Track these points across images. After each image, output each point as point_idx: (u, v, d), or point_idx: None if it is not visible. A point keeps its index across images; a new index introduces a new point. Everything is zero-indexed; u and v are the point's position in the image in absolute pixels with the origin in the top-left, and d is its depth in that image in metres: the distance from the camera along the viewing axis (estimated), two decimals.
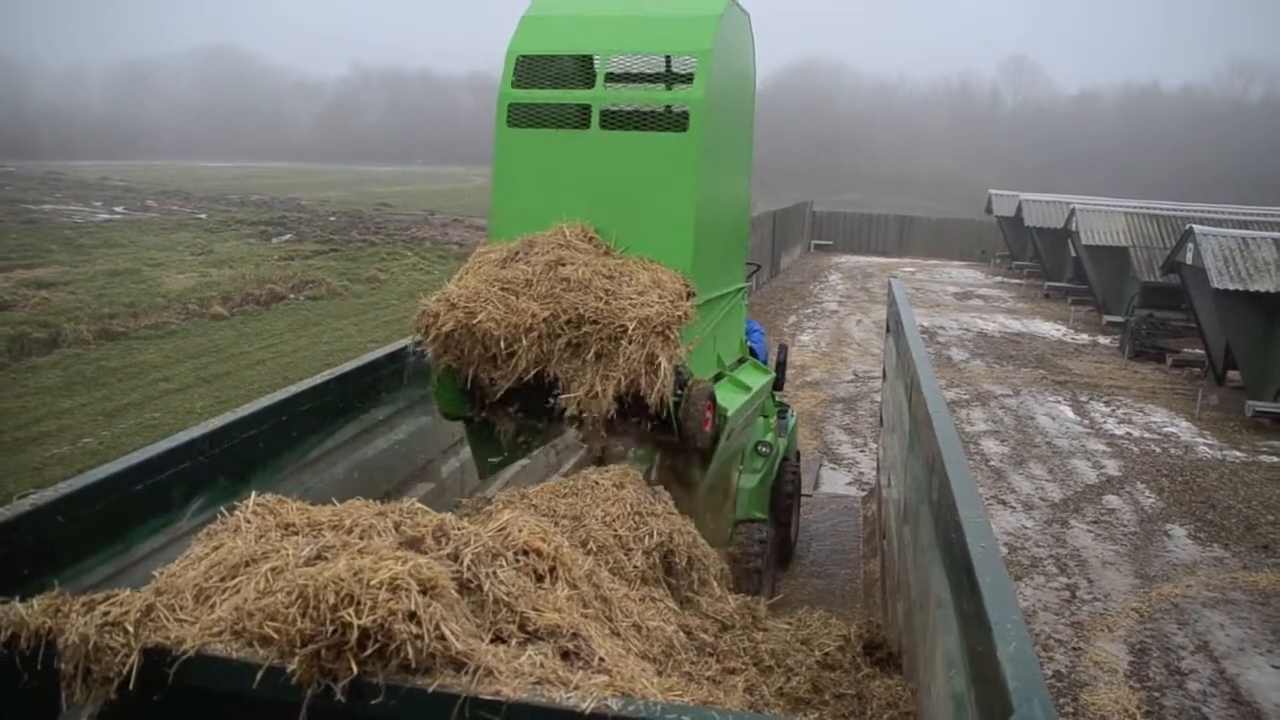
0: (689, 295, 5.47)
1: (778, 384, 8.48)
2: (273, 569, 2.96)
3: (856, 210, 49.68)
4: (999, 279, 37.78)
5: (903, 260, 43.06)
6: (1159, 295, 23.18)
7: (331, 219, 42.05)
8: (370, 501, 3.67)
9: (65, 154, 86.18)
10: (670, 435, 5.44)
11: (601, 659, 3.13)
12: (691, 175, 5.66)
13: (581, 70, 6.24)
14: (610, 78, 6.00)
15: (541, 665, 2.86)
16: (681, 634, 4.03)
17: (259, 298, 23.26)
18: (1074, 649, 8.42)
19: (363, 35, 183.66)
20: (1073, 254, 29.78)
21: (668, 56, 6.17)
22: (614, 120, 5.86)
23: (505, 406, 5.50)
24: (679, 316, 5.27)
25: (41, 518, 3.34)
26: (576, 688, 2.69)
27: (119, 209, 42.32)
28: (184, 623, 2.84)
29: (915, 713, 4.15)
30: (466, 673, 2.67)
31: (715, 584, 4.97)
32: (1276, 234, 18.32)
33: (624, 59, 6.14)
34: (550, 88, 5.98)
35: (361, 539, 3.22)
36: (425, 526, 3.35)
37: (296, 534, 3.28)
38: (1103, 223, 26.42)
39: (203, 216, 40.59)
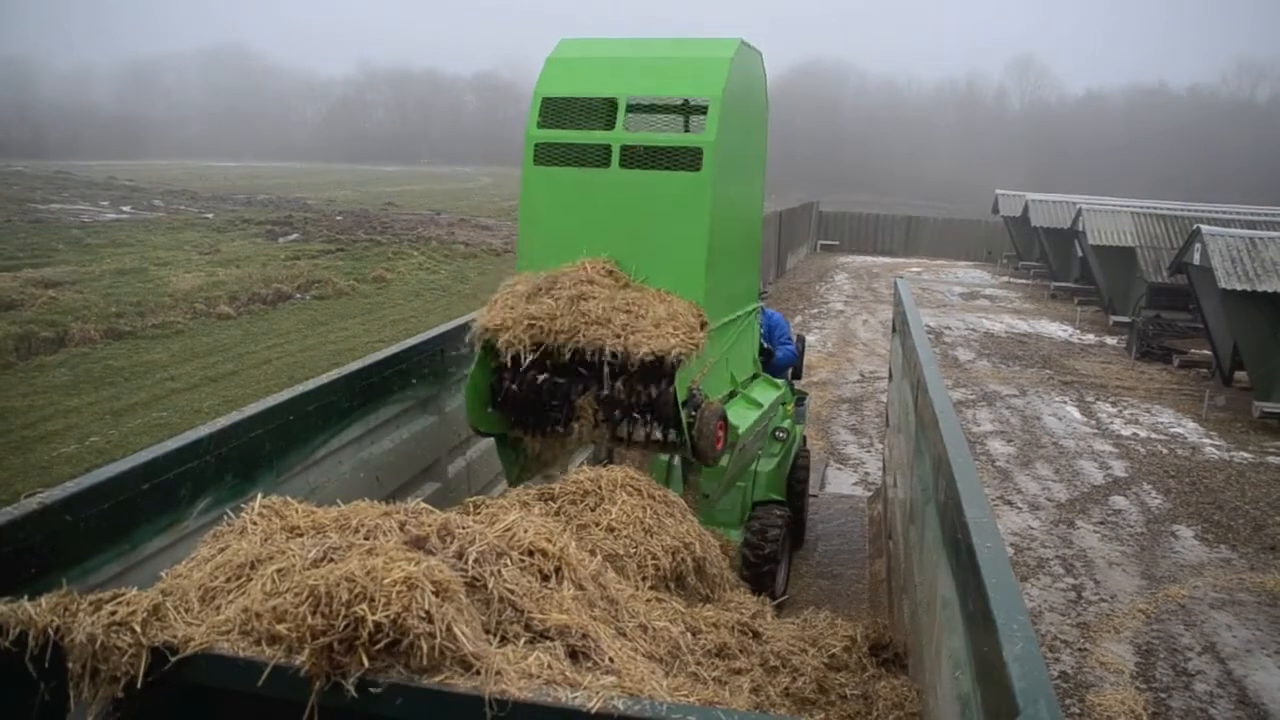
0: (702, 325, 5.82)
1: (796, 374, 8.97)
2: (279, 570, 2.97)
3: (863, 210, 49.67)
4: (1005, 279, 37.74)
5: (909, 260, 43.04)
6: (1166, 295, 23.15)
7: (338, 218, 42.08)
8: (376, 502, 3.68)
9: (72, 153, 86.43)
10: (684, 452, 5.88)
11: (611, 659, 3.13)
12: (704, 210, 6.03)
13: (603, 110, 6.50)
14: (630, 116, 6.38)
15: (549, 666, 2.86)
16: (688, 635, 4.03)
17: (266, 297, 23.30)
18: (1080, 650, 8.41)
19: (369, 35, 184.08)
20: (1079, 254, 29.75)
21: (685, 100, 6.55)
22: (632, 159, 6.23)
23: (529, 422, 5.95)
24: (692, 347, 5.61)
25: (48, 516, 3.35)
26: (584, 688, 2.70)
27: (126, 208, 42.39)
28: (192, 624, 2.85)
29: (921, 713, 4.15)
30: (476, 673, 2.68)
31: (726, 589, 4.98)
32: None
33: (642, 99, 6.53)
34: (573, 128, 6.37)
35: (367, 539, 3.22)
36: (430, 525, 3.36)
37: (302, 536, 3.29)
38: (1109, 223, 26.39)
39: (209, 216, 40.66)
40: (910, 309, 7.94)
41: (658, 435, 5.82)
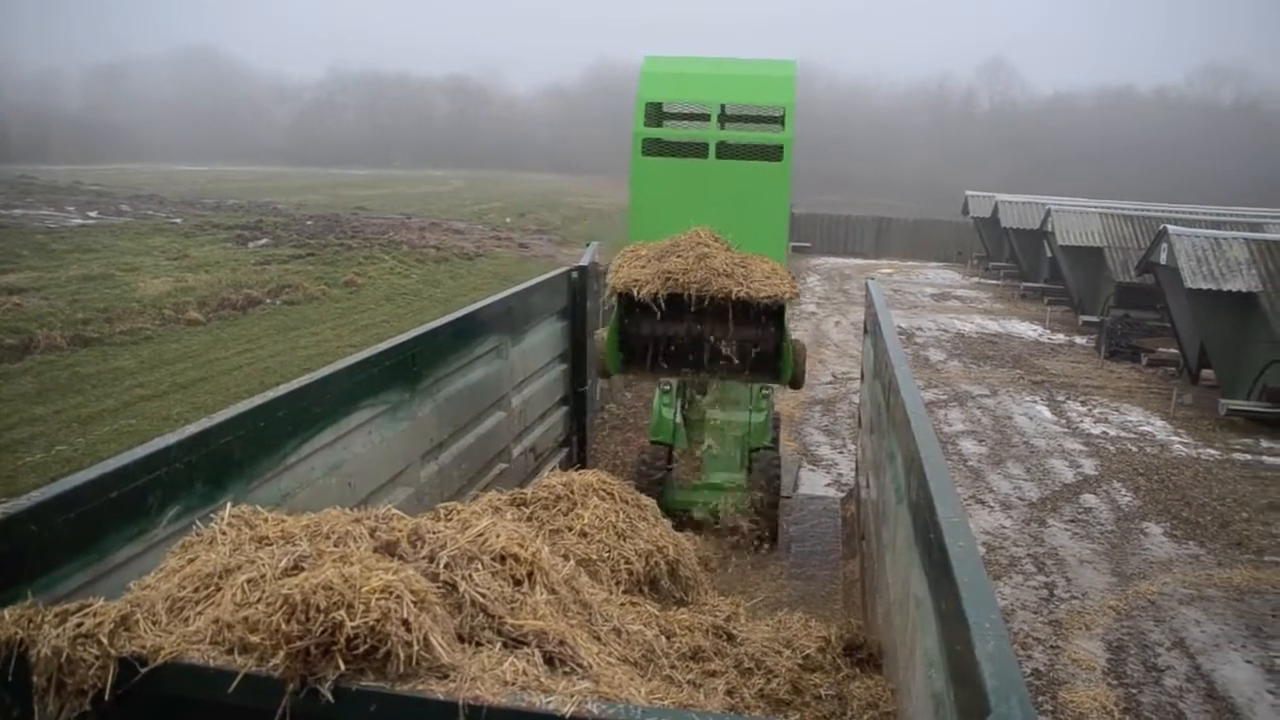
0: (792, 280, 7.49)
1: None
2: (249, 580, 2.94)
3: (834, 212, 49.83)
4: (976, 280, 38.04)
5: (880, 261, 43.30)
6: (1134, 295, 23.42)
7: (308, 223, 41.73)
8: (347, 508, 3.65)
9: (37, 157, 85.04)
10: (778, 381, 7.86)
11: (588, 665, 3.13)
12: (785, 192, 8.01)
13: (697, 112, 8.54)
14: (721, 119, 8.23)
15: (524, 673, 2.85)
16: (662, 638, 4.02)
17: (235, 302, 23.05)
18: (1052, 647, 8.48)
19: (340, 38, 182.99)
20: (1049, 254, 30.04)
21: (761, 106, 8.51)
22: (726, 152, 8.15)
23: (653, 365, 7.85)
24: (794, 293, 7.37)
25: (13, 526, 3.29)
26: (558, 693, 2.69)
27: (92, 213, 41.80)
28: (161, 635, 2.82)
29: (895, 712, 4.16)
30: (450, 680, 2.67)
31: (699, 592, 4.98)
32: (1248, 234, 18.55)
33: (733, 106, 8.44)
34: (670, 126, 8.37)
35: (337, 546, 3.20)
36: (400, 531, 3.34)
37: (271, 545, 3.26)
38: (1078, 223, 26.67)
39: (178, 221, 40.20)
40: (882, 310, 7.98)
41: (756, 369, 7.64)
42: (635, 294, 7.29)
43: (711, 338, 7.53)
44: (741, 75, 8.58)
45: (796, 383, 7.78)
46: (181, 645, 2.75)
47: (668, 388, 9.13)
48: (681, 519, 8.57)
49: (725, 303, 7.24)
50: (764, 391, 9.28)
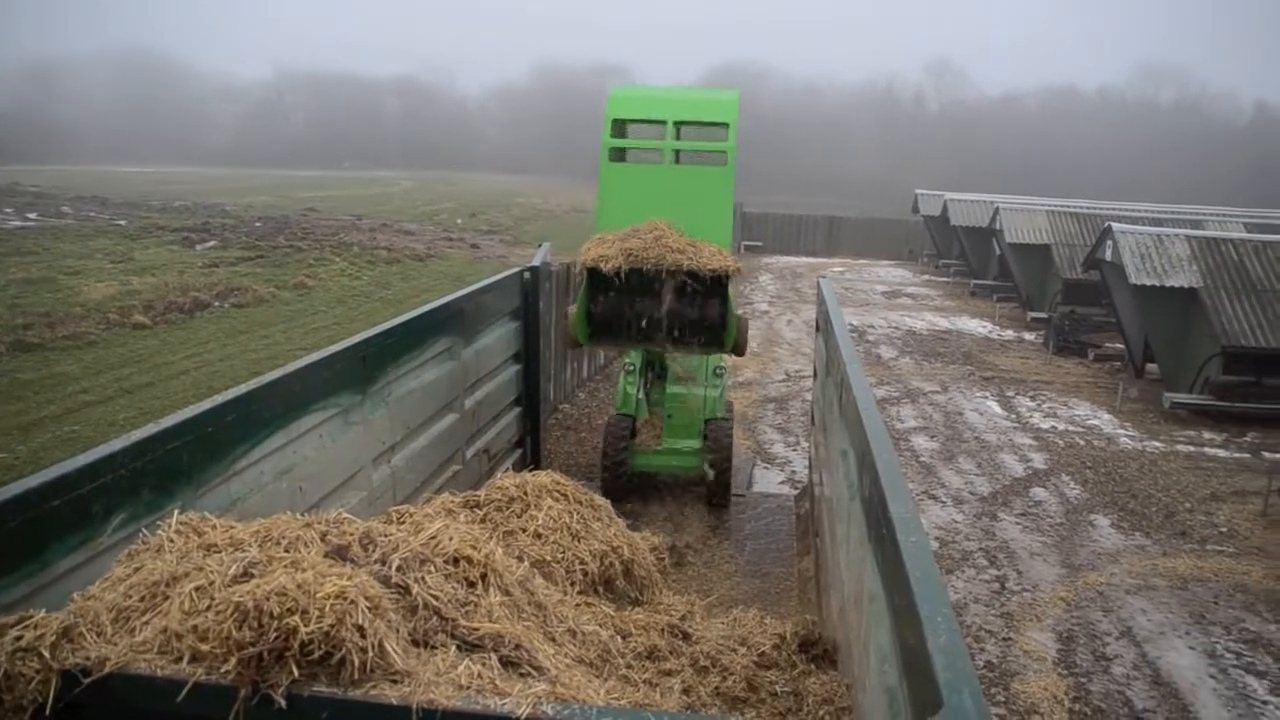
0: (735, 258, 8.77)
1: None
2: (197, 588, 2.89)
3: (785, 211, 50.11)
4: (926, 277, 38.46)
5: (832, 260, 43.62)
6: (1081, 291, 23.83)
7: (257, 224, 41.13)
8: (298, 513, 3.60)
9: None
10: (723, 349, 9.16)
11: (544, 667, 3.12)
12: (729, 192, 9.26)
13: (652, 127, 9.87)
14: (677, 132, 9.49)
15: (480, 676, 2.83)
16: (618, 638, 4.02)
17: (183, 306, 22.64)
18: (1004, 639, 8.60)
19: (286, 37, 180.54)
20: (997, 252, 30.45)
21: (709, 122, 9.70)
22: (681, 158, 9.64)
23: (615, 336, 9.25)
24: (737, 269, 8.65)
25: None
26: (512, 696, 2.67)
27: (31, 215, 40.83)
28: (106, 645, 2.75)
29: (850, 707, 4.19)
30: (405, 685, 2.65)
31: (655, 591, 4.98)
32: (1189, 231, 18.96)
33: (685, 119, 9.63)
34: (632, 138, 9.79)
35: (287, 552, 3.15)
36: (352, 535, 3.31)
37: (219, 552, 3.20)
38: (1026, 221, 27.07)
39: (122, 223, 39.41)
40: (834, 308, 8.04)
41: (704, 339, 8.93)
42: (602, 268, 8.48)
43: (667, 310, 8.83)
44: (692, 99, 10.30)
45: (739, 350, 9.00)
46: (128, 655, 2.69)
47: (631, 368, 10.33)
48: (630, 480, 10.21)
49: (678, 274, 8.52)
50: (717, 370, 10.39)
